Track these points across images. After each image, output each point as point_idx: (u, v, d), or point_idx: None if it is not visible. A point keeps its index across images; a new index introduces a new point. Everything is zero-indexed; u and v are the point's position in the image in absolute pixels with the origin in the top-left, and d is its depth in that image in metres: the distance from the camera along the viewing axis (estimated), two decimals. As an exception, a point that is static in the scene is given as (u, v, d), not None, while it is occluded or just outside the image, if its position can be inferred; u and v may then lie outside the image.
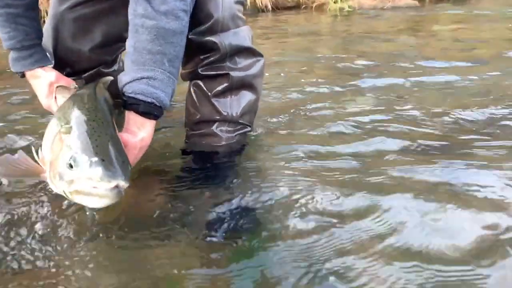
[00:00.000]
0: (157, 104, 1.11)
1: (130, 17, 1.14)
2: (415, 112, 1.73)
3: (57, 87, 1.48)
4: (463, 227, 0.97)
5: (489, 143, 1.43)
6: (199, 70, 1.34)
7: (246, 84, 1.38)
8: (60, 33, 1.50)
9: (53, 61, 1.49)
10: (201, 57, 1.34)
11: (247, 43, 1.36)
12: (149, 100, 1.09)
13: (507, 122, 1.60)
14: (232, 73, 1.33)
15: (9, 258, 0.92)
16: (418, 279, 0.83)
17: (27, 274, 0.88)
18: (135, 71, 1.11)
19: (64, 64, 1.53)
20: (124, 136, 1.08)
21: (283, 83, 2.24)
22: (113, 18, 1.51)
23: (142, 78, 1.09)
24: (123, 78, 1.13)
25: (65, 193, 0.91)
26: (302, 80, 2.33)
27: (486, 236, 0.94)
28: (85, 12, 1.48)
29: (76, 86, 1.49)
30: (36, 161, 1.01)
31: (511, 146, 1.39)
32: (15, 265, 0.90)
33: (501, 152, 1.35)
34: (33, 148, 1.04)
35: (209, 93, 1.36)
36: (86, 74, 1.64)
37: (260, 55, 1.41)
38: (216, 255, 0.92)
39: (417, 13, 5.24)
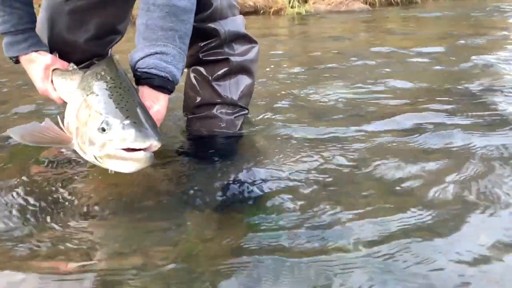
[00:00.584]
0: (170, 78, 1.14)
1: None
2: (386, 89, 1.98)
3: (53, 70, 1.46)
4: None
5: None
6: (200, 56, 1.41)
7: (244, 69, 1.47)
8: (56, 25, 1.51)
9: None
10: (201, 44, 1.42)
11: (243, 30, 1.46)
12: (162, 74, 1.12)
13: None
14: (232, 58, 1.42)
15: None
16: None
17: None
18: (148, 47, 1.13)
19: (58, 55, 1.55)
20: None
21: (263, 74, 2.36)
22: (106, 11, 1.55)
23: (155, 53, 1.12)
24: (135, 55, 1.15)
25: (95, 158, 0.92)
26: (279, 71, 2.48)
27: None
28: (80, 4, 1.51)
29: (75, 66, 1.46)
30: (61, 129, 1.01)
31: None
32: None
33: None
34: (58, 117, 1.05)
35: (210, 77, 1.44)
36: (80, 66, 1.66)
37: (255, 42, 1.51)
38: (221, 223, 0.99)
39: (369, 15, 5.58)
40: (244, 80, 1.49)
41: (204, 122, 1.48)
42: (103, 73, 1.12)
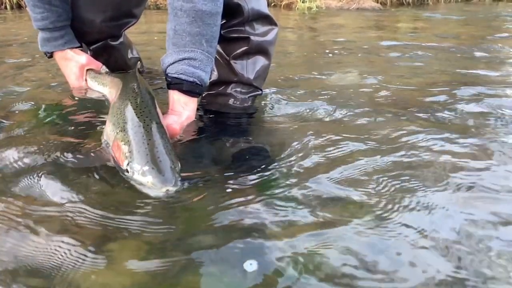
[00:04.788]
0: (198, 82, 1.18)
1: (169, 0, 1.20)
2: (394, 78, 1.98)
3: (87, 70, 1.56)
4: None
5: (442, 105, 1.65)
6: (222, 32, 1.42)
7: (262, 50, 1.48)
8: (76, 2, 1.53)
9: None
10: (223, 20, 1.42)
11: (266, 10, 1.46)
12: (190, 79, 1.17)
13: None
14: (252, 38, 1.43)
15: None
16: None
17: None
18: (177, 53, 1.17)
19: (76, 34, 1.57)
20: (171, 118, 1.16)
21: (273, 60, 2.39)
22: None
23: (183, 59, 1.17)
24: (165, 60, 1.20)
25: None
26: (289, 58, 2.52)
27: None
28: None
29: (107, 70, 1.57)
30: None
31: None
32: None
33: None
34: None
35: (228, 55, 1.46)
36: (95, 46, 1.69)
37: (276, 24, 1.51)
38: (233, 188, 1.02)
39: (380, 14, 5.58)
40: (261, 61, 1.50)
41: (217, 99, 1.50)
42: (131, 100, 1.17)
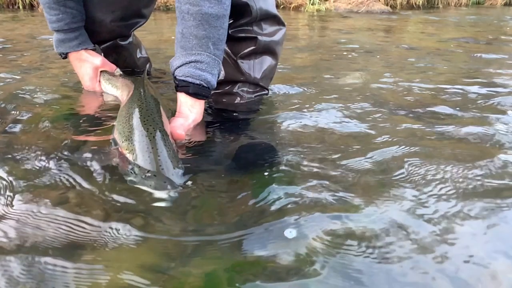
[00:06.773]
0: (205, 85, 1.20)
1: (177, 4, 1.21)
2: (401, 80, 1.97)
3: (101, 72, 1.59)
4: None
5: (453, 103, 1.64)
6: (230, 32, 1.42)
7: (269, 50, 1.48)
8: (86, 4, 1.56)
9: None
10: (230, 20, 1.43)
11: (275, 10, 1.47)
12: (197, 82, 1.18)
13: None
14: (260, 38, 1.44)
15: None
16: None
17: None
18: (184, 56, 1.19)
19: (88, 32, 1.59)
20: (177, 121, 1.18)
21: (281, 60, 2.39)
22: None
23: (190, 62, 1.18)
24: (174, 63, 1.22)
25: None
26: (297, 59, 2.50)
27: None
28: None
29: (121, 72, 1.59)
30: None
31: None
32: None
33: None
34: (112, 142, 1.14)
35: (235, 55, 1.46)
36: (104, 45, 1.72)
37: (283, 24, 1.52)
38: (237, 185, 1.02)
39: (390, 17, 5.57)
40: (267, 61, 1.50)
41: (224, 98, 1.50)
42: (136, 108, 1.18)
